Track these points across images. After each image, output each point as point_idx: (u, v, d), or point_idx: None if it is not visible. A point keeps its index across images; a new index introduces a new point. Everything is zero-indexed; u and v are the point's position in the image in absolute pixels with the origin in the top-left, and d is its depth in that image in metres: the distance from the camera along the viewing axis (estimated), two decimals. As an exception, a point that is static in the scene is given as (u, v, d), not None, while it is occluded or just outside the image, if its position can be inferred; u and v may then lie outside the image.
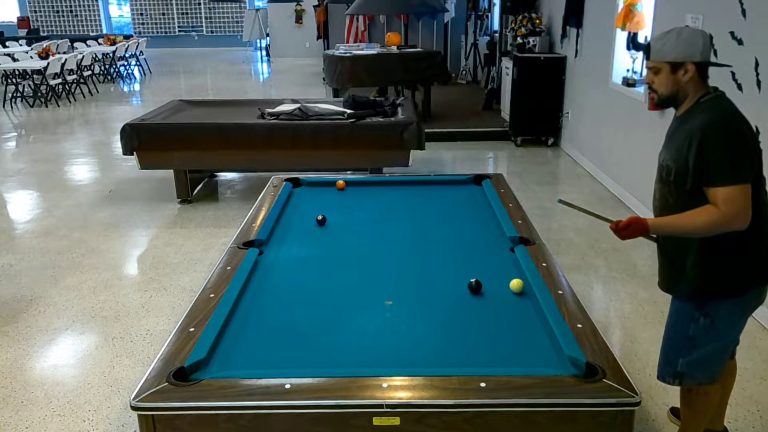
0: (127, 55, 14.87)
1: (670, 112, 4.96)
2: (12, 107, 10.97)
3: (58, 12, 20.68)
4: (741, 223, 2.04)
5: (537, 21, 7.80)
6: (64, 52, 12.92)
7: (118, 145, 6.55)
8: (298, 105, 5.76)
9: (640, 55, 5.57)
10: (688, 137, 2.07)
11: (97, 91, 12.55)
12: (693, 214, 2.08)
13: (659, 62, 2.13)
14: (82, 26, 20.79)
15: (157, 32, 20.95)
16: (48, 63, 10.76)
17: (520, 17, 7.98)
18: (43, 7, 20.61)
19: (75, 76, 11.94)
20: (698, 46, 2.09)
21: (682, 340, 2.28)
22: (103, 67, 14.11)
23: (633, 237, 2.21)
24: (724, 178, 2.02)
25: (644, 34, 5.43)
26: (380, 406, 1.80)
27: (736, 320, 2.24)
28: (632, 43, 5.60)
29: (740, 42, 3.82)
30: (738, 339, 2.35)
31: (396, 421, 1.81)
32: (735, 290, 2.19)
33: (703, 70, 2.13)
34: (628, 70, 5.73)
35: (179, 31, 21.09)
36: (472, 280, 2.49)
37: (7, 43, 15.22)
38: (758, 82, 3.61)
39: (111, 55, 14.18)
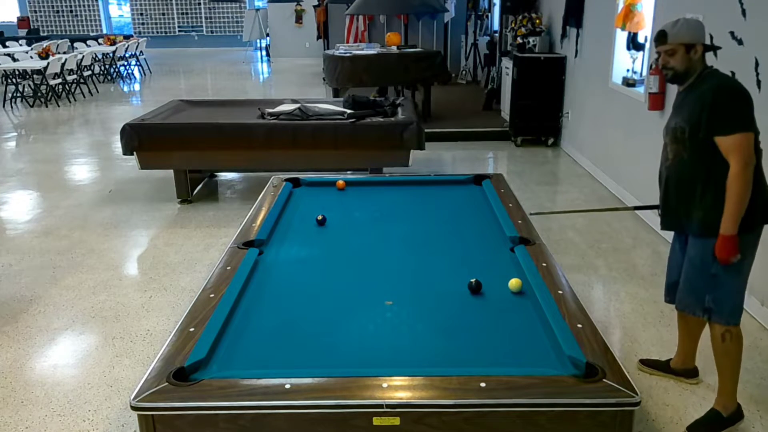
0: (127, 55, 14.87)
1: (670, 111, 4.96)
2: (12, 107, 10.98)
3: (58, 12, 20.69)
4: (752, 164, 2.42)
5: (537, 21, 7.80)
6: (64, 52, 12.92)
7: (118, 145, 6.56)
8: (298, 105, 5.76)
9: (640, 55, 5.57)
10: (700, 99, 2.48)
11: (97, 91, 12.56)
12: (728, 192, 2.43)
13: (676, 44, 2.56)
14: (82, 26, 20.80)
15: (157, 32, 20.96)
16: (48, 63, 10.76)
17: (520, 17, 7.98)
18: (43, 7, 20.62)
19: (75, 76, 11.95)
20: (703, 31, 2.60)
21: (708, 278, 2.61)
22: (103, 67, 14.12)
23: (730, 252, 2.49)
24: (735, 127, 2.42)
25: (644, 34, 5.43)
26: (380, 406, 1.80)
27: (748, 255, 2.57)
28: (632, 43, 5.61)
29: (740, 42, 3.82)
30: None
31: (396, 421, 1.81)
32: (745, 227, 2.49)
33: (704, 50, 2.59)
34: (628, 70, 5.73)
35: (179, 31, 21.10)
36: (472, 280, 2.49)
37: (7, 43, 15.22)
38: (758, 82, 3.62)
39: (111, 55, 14.18)
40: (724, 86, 2.50)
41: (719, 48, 2.96)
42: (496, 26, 10.49)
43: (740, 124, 2.42)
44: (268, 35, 18.28)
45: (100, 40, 15.72)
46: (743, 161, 2.41)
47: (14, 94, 11.28)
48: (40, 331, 3.64)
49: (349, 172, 5.32)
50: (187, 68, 16.70)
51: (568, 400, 1.81)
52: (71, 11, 20.73)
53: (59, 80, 11.34)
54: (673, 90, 4.75)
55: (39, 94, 11.07)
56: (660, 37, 2.60)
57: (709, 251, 2.56)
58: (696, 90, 2.54)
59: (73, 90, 11.82)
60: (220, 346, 2.12)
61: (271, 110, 5.76)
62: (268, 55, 18.35)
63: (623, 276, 4.23)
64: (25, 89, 11.52)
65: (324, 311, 2.40)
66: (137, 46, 15.26)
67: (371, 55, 8.45)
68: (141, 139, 5.44)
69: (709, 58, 4.12)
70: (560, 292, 2.40)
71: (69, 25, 20.77)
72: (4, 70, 11.29)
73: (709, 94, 2.46)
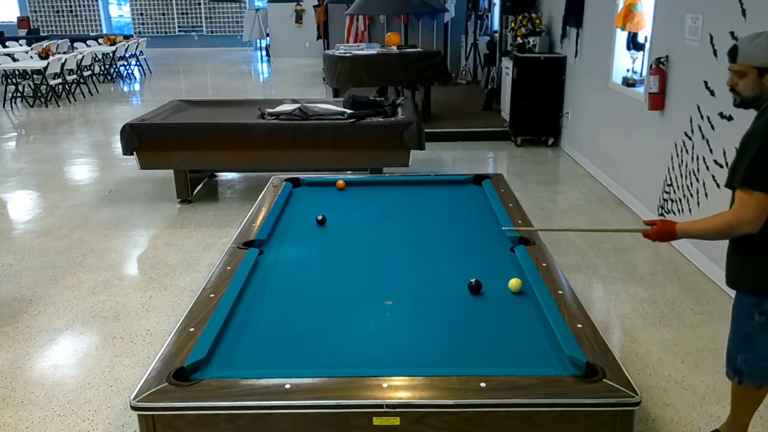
0: (127, 55, 14.87)
1: (670, 111, 4.95)
2: (12, 107, 10.97)
3: (58, 12, 20.68)
4: (747, 229, 2.10)
5: (537, 21, 7.80)
6: (64, 52, 12.92)
7: (118, 145, 6.56)
8: (298, 105, 5.76)
9: (640, 55, 5.58)
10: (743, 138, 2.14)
11: (97, 91, 12.55)
12: (711, 218, 2.21)
13: (747, 66, 2.12)
14: (82, 26, 20.79)
15: (157, 32, 20.95)
16: (48, 63, 10.76)
17: (520, 17, 7.98)
18: (43, 7, 20.61)
19: (75, 76, 11.94)
20: None
21: (741, 336, 2.33)
22: (103, 67, 14.11)
23: (662, 240, 2.35)
24: (746, 181, 2.07)
25: (644, 34, 5.43)
26: (380, 406, 1.80)
27: None
28: (632, 43, 5.61)
29: (740, 42, 3.82)
30: None
31: (396, 421, 1.81)
32: None
33: None
34: (628, 70, 5.73)
35: (179, 31, 21.09)
36: (472, 280, 2.49)
37: (7, 43, 15.22)
38: (758, 82, 3.61)
39: (111, 55, 14.18)
40: (763, 127, 2.08)
41: None
42: (496, 26, 10.49)
43: (754, 180, 2.04)
44: (268, 35, 18.27)
45: (100, 40, 15.70)
46: (737, 221, 2.09)
47: (14, 94, 11.27)
48: (40, 331, 3.64)
49: (349, 172, 5.32)
50: (187, 68, 16.70)
51: (568, 400, 1.81)
52: (71, 11, 20.72)
53: (59, 80, 11.33)
54: (674, 90, 4.76)
55: (39, 94, 11.06)
56: (730, 53, 2.17)
57: (744, 307, 2.28)
58: (757, 122, 2.14)
59: (73, 90, 11.81)
60: (220, 346, 2.12)
61: (271, 110, 5.76)
62: (268, 55, 18.34)
63: (623, 276, 4.23)
64: (25, 89, 11.51)
65: (324, 311, 2.40)
66: (137, 46, 15.25)
67: (371, 55, 8.45)
68: (141, 139, 5.44)
69: (708, 57, 4.15)
70: (560, 292, 2.40)
71: (69, 25, 20.76)
72: (4, 70, 11.29)
73: (747, 133, 2.10)
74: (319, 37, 14.86)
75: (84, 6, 20.68)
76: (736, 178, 2.11)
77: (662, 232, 2.32)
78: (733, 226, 2.12)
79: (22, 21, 19.53)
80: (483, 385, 1.84)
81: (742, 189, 2.08)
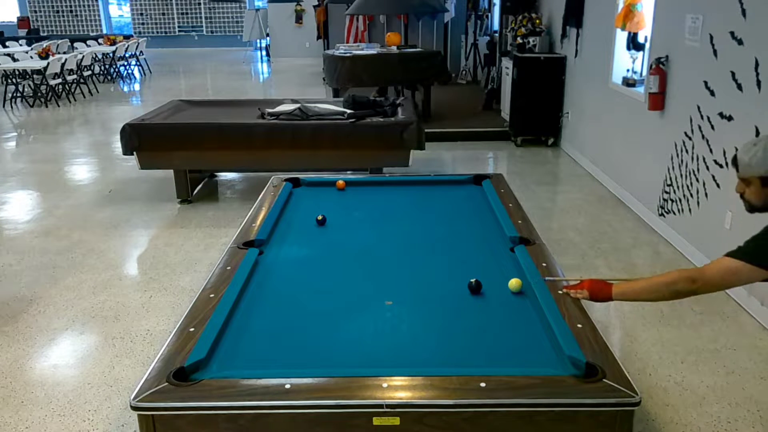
0: (127, 55, 14.86)
1: (670, 111, 4.94)
2: (12, 107, 10.97)
3: (58, 12, 20.67)
4: (703, 286, 2.14)
5: (537, 21, 7.80)
6: (64, 52, 12.91)
7: (118, 145, 6.55)
8: (298, 105, 5.76)
9: (640, 55, 5.58)
10: None
11: (97, 91, 12.55)
12: (660, 279, 2.24)
13: (749, 176, 2.10)
14: (82, 26, 20.78)
15: (157, 32, 20.94)
16: (48, 63, 10.76)
17: (520, 17, 7.97)
18: (43, 7, 20.60)
19: (75, 76, 11.93)
20: None
21: None
22: (103, 67, 14.11)
23: (596, 297, 2.36)
24: (739, 252, 2.04)
25: (644, 34, 5.43)
26: (380, 406, 1.80)
27: None
28: (632, 43, 5.61)
29: (740, 42, 3.82)
30: None
31: (396, 421, 1.81)
32: None
33: None
34: (628, 70, 5.73)
35: (179, 31, 21.08)
36: (472, 280, 2.49)
37: (7, 43, 15.21)
38: (758, 82, 3.61)
39: (111, 55, 14.17)
40: None
41: None
42: (496, 26, 10.48)
43: (748, 253, 2.04)
44: (268, 35, 18.26)
45: (100, 40, 15.69)
46: (704, 282, 2.12)
47: (14, 94, 11.27)
48: (40, 331, 3.64)
49: (349, 172, 5.32)
50: (187, 68, 16.70)
51: (568, 400, 1.81)
52: (71, 11, 20.71)
53: (59, 80, 11.33)
54: (674, 90, 4.76)
55: (39, 94, 11.06)
56: (734, 163, 2.16)
57: None
58: None
59: (73, 90, 11.81)
60: (220, 346, 2.12)
61: (271, 110, 5.76)
62: (268, 55, 18.34)
63: (623, 276, 4.23)
64: (25, 89, 11.51)
65: (324, 311, 2.39)
66: (137, 46, 15.25)
67: (371, 55, 8.45)
68: (141, 139, 5.44)
69: (708, 57, 4.15)
70: (560, 292, 2.40)
71: (69, 25, 20.75)
72: (4, 70, 11.29)
73: None
74: (319, 37, 14.86)
75: (84, 6, 20.67)
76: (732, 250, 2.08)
77: (594, 290, 2.35)
78: (698, 285, 2.12)
79: (22, 21, 19.52)
80: (483, 385, 1.84)
81: (735, 257, 2.05)
